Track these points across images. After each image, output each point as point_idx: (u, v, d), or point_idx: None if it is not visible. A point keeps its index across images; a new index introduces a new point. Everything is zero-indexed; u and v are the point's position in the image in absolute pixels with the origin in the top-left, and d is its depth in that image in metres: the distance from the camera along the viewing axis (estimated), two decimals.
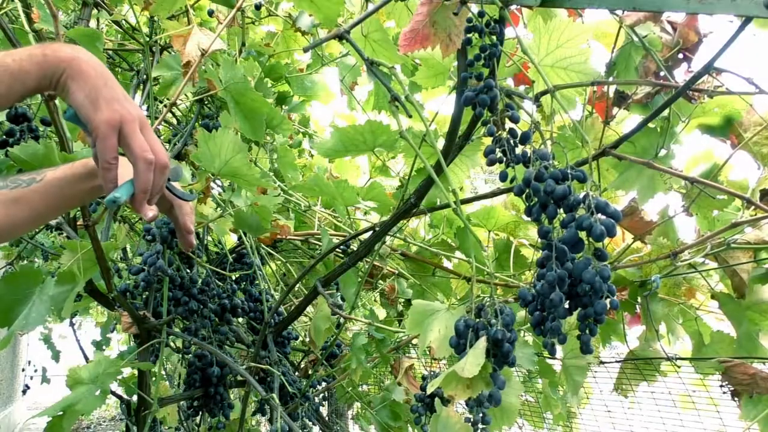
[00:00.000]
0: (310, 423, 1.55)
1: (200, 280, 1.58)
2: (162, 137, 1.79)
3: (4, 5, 1.28)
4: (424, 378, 1.41)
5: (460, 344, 0.87)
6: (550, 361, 1.67)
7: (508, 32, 1.02)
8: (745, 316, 1.30)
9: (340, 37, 1.03)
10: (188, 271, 1.57)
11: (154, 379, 1.46)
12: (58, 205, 0.83)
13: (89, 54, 0.66)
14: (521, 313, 1.44)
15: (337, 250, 1.66)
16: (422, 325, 0.97)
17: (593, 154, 1.13)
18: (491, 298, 0.88)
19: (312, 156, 2.48)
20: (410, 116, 0.99)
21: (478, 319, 0.87)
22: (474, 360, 0.79)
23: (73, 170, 0.81)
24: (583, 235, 0.79)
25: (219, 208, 1.45)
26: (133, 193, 0.70)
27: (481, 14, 0.99)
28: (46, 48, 0.63)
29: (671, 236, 1.37)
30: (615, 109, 1.30)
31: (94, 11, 1.62)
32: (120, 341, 4.47)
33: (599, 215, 0.78)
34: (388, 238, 1.61)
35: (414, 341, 1.69)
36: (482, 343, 0.82)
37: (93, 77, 0.64)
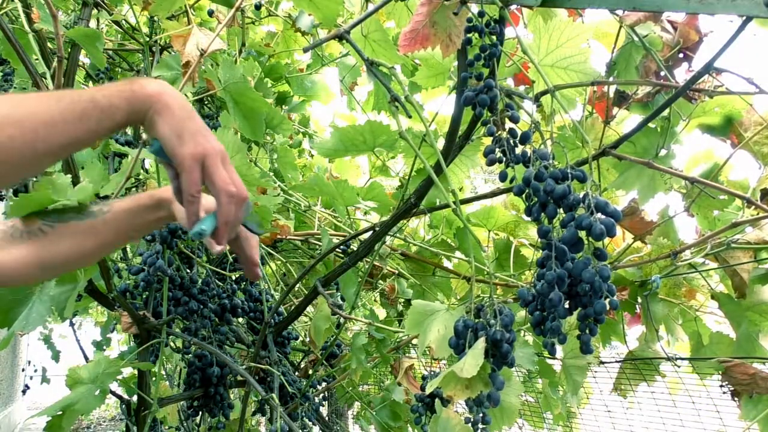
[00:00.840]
0: (310, 423, 1.55)
1: (200, 280, 1.58)
2: None
3: (4, 5, 1.28)
4: (424, 378, 1.41)
5: (459, 344, 0.87)
6: (550, 361, 1.67)
7: (508, 32, 1.02)
8: (745, 316, 1.30)
9: (340, 38, 1.03)
10: (188, 271, 1.57)
11: (154, 379, 1.46)
12: (125, 235, 0.86)
13: (173, 89, 0.68)
14: (521, 313, 1.44)
15: (337, 250, 1.65)
16: (422, 326, 0.97)
17: (593, 154, 1.13)
18: (490, 298, 0.88)
19: (312, 156, 2.48)
20: (410, 116, 0.99)
21: (477, 320, 0.87)
22: (473, 360, 0.79)
23: (139, 201, 0.84)
24: (582, 234, 0.79)
25: None
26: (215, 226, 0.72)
27: (481, 14, 0.99)
28: (134, 83, 0.65)
29: (671, 236, 1.37)
30: (615, 109, 1.29)
31: (94, 11, 1.62)
32: (120, 341, 4.47)
33: (599, 215, 0.78)
34: (388, 238, 1.61)
35: (414, 341, 1.69)
36: (481, 343, 0.82)
37: (178, 112, 0.65)
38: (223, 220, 0.69)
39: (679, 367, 1.49)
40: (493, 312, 0.85)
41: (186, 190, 0.66)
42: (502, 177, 0.94)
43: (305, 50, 1.40)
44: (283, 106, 2.15)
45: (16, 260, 0.78)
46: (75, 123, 0.59)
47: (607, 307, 0.80)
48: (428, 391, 0.83)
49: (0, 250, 0.78)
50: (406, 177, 1.38)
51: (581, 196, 0.80)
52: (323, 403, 2.67)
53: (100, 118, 0.61)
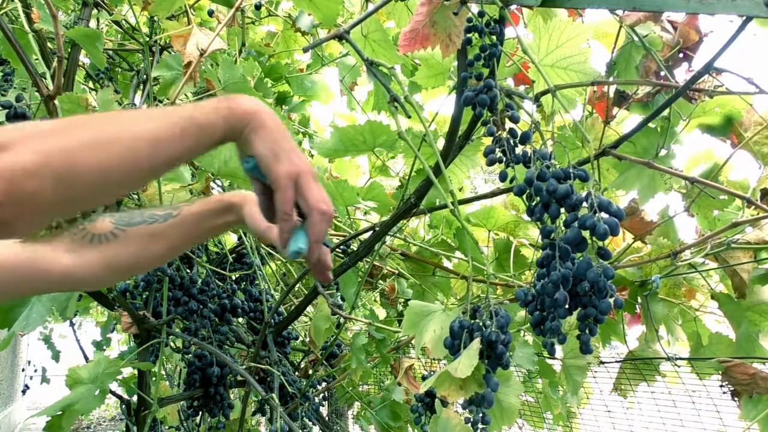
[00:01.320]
0: (310, 423, 1.55)
1: (200, 280, 1.58)
2: None
3: (4, 5, 1.28)
4: (424, 378, 1.41)
5: (454, 345, 0.87)
6: (550, 361, 1.67)
7: (508, 32, 1.02)
8: (745, 316, 1.30)
9: (340, 38, 1.03)
10: (188, 271, 1.57)
11: (154, 379, 1.46)
12: (192, 238, 0.86)
13: (268, 107, 0.69)
14: (521, 313, 1.44)
15: (337, 250, 1.65)
16: (418, 326, 0.97)
17: (594, 153, 1.13)
18: (486, 299, 0.88)
19: (312, 156, 2.48)
20: (409, 117, 0.99)
21: (473, 321, 0.87)
22: (467, 361, 0.79)
23: (208, 206, 0.84)
24: (586, 234, 0.79)
25: None
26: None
27: (481, 14, 0.99)
28: (230, 101, 0.65)
29: (671, 236, 1.37)
30: (615, 109, 1.29)
31: (94, 11, 1.62)
32: (120, 341, 4.47)
33: (602, 214, 0.78)
34: (388, 238, 1.61)
35: (413, 341, 1.69)
36: (476, 344, 0.82)
37: (274, 130, 0.66)
38: (315, 237, 0.70)
39: (679, 367, 1.49)
40: (489, 313, 0.85)
41: (280, 208, 0.67)
42: (502, 177, 0.94)
43: (305, 50, 1.40)
44: (283, 106, 2.15)
45: (87, 263, 0.80)
46: (176, 141, 0.60)
47: (612, 306, 0.80)
48: (422, 390, 0.83)
49: (72, 254, 0.80)
50: (406, 177, 1.38)
51: (584, 195, 0.80)
52: (323, 403, 2.67)
53: (200, 135, 0.62)
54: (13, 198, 0.49)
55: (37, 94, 1.19)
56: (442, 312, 0.97)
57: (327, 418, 2.75)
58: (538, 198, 0.83)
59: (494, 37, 0.99)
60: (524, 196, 0.87)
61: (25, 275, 0.78)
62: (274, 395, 1.31)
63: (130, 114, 0.64)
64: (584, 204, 0.80)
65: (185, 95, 1.65)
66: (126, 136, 0.57)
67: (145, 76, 1.67)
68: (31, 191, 0.50)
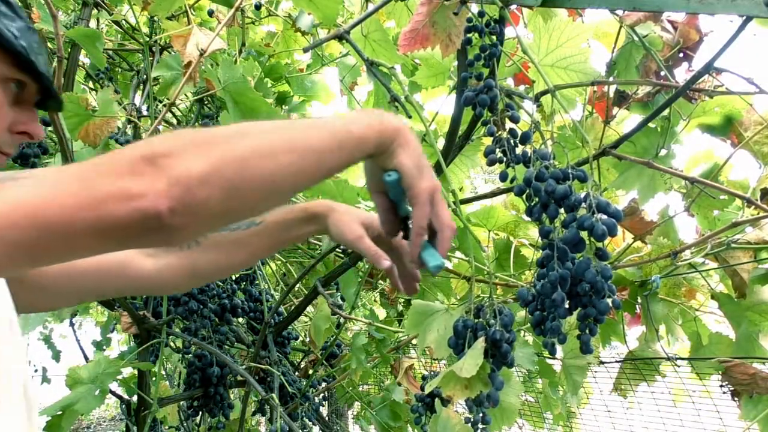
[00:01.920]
0: (310, 423, 1.55)
1: None
2: None
3: None
4: (424, 378, 1.41)
5: (458, 344, 0.87)
6: (550, 361, 1.67)
7: (508, 32, 1.02)
8: (745, 316, 1.30)
9: (341, 38, 1.03)
10: None
11: (154, 379, 1.46)
12: (274, 246, 0.86)
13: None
14: (521, 313, 1.44)
15: (337, 250, 1.65)
16: (421, 326, 0.97)
17: (594, 153, 1.13)
18: (490, 298, 0.88)
19: None
20: (410, 117, 0.99)
21: (476, 320, 0.87)
22: (472, 360, 0.79)
23: (292, 215, 0.84)
24: (584, 234, 0.79)
25: None
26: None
27: (481, 14, 0.99)
28: (381, 116, 0.67)
29: (671, 236, 1.37)
30: (615, 109, 1.29)
31: (94, 11, 1.62)
32: (120, 341, 4.47)
33: (600, 215, 0.78)
34: None
35: (414, 341, 1.69)
36: (480, 343, 0.82)
37: (415, 147, 0.68)
38: (444, 252, 0.71)
39: (679, 366, 1.49)
40: (493, 312, 0.85)
41: (418, 223, 0.68)
42: (503, 177, 0.94)
43: (305, 50, 1.40)
44: (283, 106, 2.15)
45: (169, 269, 0.81)
46: (335, 152, 0.60)
47: (610, 307, 0.80)
48: (427, 390, 0.83)
49: (154, 259, 0.81)
50: None
51: (582, 196, 0.80)
52: (323, 403, 2.67)
53: (355, 148, 0.63)
54: (186, 205, 0.49)
55: None
56: (445, 311, 0.97)
57: (327, 418, 2.75)
58: (537, 198, 0.84)
59: (494, 37, 0.99)
60: (524, 196, 0.87)
61: (111, 276, 0.80)
62: (274, 395, 1.31)
63: (293, 124, 0.64)
64: (583, 204, 0.80)
65: (185, 95, 1.65)
66: (299, 146, 0.57)
67: (145, 76, 1.67)
68: (204, 199, 0.50)
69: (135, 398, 1.48)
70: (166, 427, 1.75)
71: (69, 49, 1.37)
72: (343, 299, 1.59)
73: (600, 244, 0.81)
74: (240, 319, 1.78)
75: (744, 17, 0.78)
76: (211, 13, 1.91)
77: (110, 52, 1.90)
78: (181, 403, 1.72)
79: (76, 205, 0.47)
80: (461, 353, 0.84)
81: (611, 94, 1.30)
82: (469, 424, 0.90)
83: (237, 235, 0.82)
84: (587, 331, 0.84)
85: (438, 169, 1.11)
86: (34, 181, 0.49)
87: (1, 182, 0.50)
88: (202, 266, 0.82)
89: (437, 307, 0.98)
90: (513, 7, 1.12)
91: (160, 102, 1.48)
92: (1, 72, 0.64)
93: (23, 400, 0.63)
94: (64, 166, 0.59)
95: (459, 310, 0.94)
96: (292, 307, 1.63)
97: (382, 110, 0.68)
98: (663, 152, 1.25)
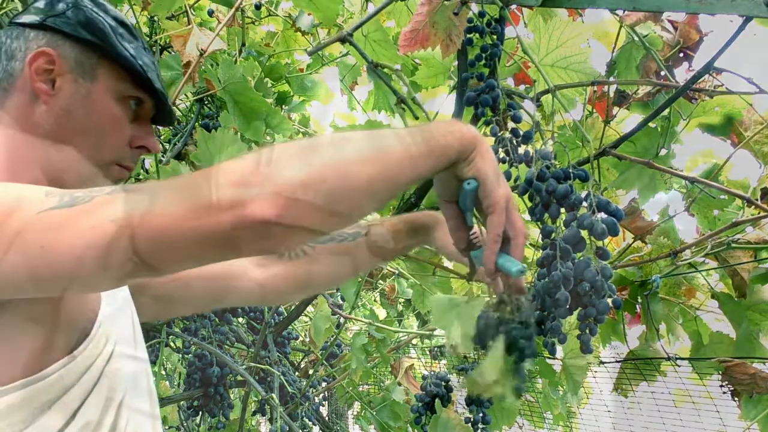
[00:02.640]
0: (310, 423, 1.55)
1: None
2: (162, 137, 1.79)
3: (4, 5, 1.28)
4: (424, 378, 1.41)
5: (482, 341, 0.86)
6: (550, 361, 1.67)
7: (509, 32, 1.02)
8: (745, 316, 1.30)
9: (343, 40, 1.03)
10: None
11: (154, 379, 1.46)
12: (378, 258, 0.86)
13: None
14: None
15: None
16: (445, 319, 0.96)
17: (594, 153, 1.13)
18: (509, 293, 0.87)
19: None
20: (417, 117, 0.99)
21: (497, 314, 0.87)
22: (494, 362, 0.79)
23: (399, 226, 0.84)
24: (585, 234, 0.79)
25: None
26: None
27: (481, 14, 0.99)
28: (458, 125, 0.67)
29: (671, 236, 1.37)
30: (615, 109, 1.30)
31: None
32: None
33: (601, 214, 0.78)
34: None
35: (414, 341, 1.69)
36: (500, 343, 0.82)
37: (492, 155, 0.68)
38: (520, 258, 0.72)
39: (679, 366, 1.49)
40: (513, 308, 0.85)
41: (494, 231, 0.69)
42: (506, 177, 0.94)
43: (309, 54, 1.40)
44: (283, 106, 2.15)
45: (278, 278, 0.82)
46: (427, 158, 0.61)
47: (611, 307, 0.80)
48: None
49: (262, 268, 0.83)
50: None
51: (583, 195, 0.80)
52: (323, 403, 2.67)
53: (440, 156, 0.63)
54: (288, 214, 0.50)
55: None
56: (465, 304, 0.96)
57: (327, 418, 2.75)
58: (539, 198, 0.84)
59: (495, 37, 0.99)
60: (525, 197, 0.87)
61: (219, 286, 0.82)
62: (274, 395, 1.31)
63: (386, 131, 0.65)
64: (584, 204, 0.80)
65: (185, 95, 1.65)
66: (396, 152, 0.57)
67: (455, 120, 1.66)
68: (307, 205, 0.50)
69: None
70: (166, 427, 1.75)
71: None
72: (343, 299, 1.59)
73: (600, 243, 0.80)
74: (240, 319, 1.78)
75: (744, 17, 0.78)
76: (211, 13, 1.91)
77: None
78: (181, 403, 1.72)
79: (188, 215, 0.49)
80: (484, 348, 0.84)
81: (611, 94, 1.30)
82: (469, 424, 0.90)
83: (343, 247, 0.83)
84: (587, 331, 0.84)
85: None
86: (146, 193, 0.52)
87: (114, 194, 0.52)
88: (309, 277, 0.83)
89: (458, 300, 0.98)
90: (513, 6, 1.12)
91: None
92: (123, 90, 0.68)
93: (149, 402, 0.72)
94: (172, 178, 0.61)
95: (479, 302, 0.94)
96: (292, 307, 1.63)
97: (456, 120, 0.68)
98: (663, 152, 1.25)
